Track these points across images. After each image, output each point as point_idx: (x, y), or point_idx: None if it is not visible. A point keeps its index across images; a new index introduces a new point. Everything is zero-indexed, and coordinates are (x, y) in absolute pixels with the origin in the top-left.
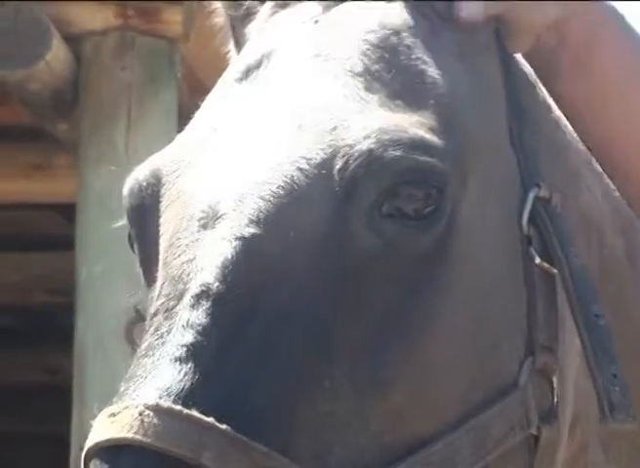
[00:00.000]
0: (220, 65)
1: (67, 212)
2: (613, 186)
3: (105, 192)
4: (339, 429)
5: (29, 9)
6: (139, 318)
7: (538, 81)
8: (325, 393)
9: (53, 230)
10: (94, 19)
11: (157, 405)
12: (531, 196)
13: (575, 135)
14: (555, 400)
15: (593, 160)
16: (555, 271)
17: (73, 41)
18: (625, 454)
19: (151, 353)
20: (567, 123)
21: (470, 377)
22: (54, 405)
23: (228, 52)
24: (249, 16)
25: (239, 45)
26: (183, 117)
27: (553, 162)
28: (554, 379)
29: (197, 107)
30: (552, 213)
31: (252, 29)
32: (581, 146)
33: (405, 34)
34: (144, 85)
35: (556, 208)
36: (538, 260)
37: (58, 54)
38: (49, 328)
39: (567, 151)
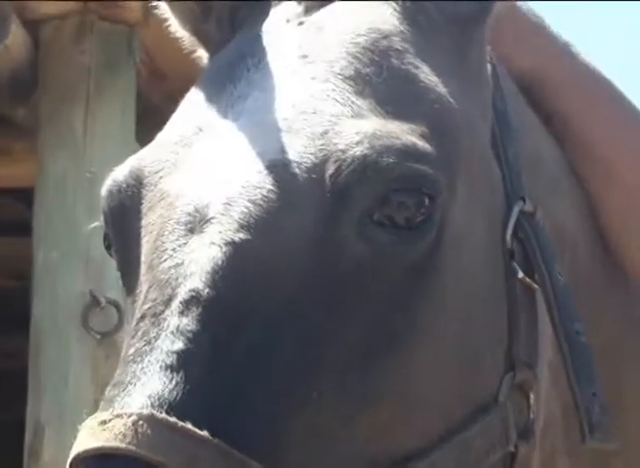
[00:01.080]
0: (179, 52)
1: (26, 196)
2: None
3: (63, 177)
4: (327, 442)
5: None
6: (94, 303)
7: (520, 92)
8: (313, 405)
9: (12, 215)
10: (52, 3)
11: (152, 415)
12: (515, 210)
13: (557, 145)
14: (532, 416)
15: (570, 173)
16: (537, 287)
17: (32, 25)
18: (588, 460)
19: (139, 359)
20: (544, 130)
21: (454, 390)
22: (14, 389)
23: (184, 38)
24: (209, 9)
25: (201, 37)
26: (142, 103)
27: (534, 173)
28: (531, 395)
29: (156, 93)
30: (536, 227)
31: (222, 27)
32: (553, 149)
33: (395, 38)
34: (103, 70)
35: (540, 222)
36: (520, 275)
37: (16, 38)
38: (7, 312)
39: (546, 161)
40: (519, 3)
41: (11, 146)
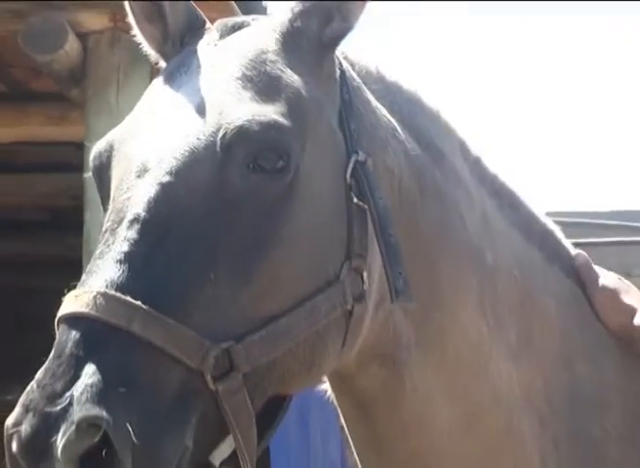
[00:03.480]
0: None
1: (80, 148)
2: (413, 151)
3: (103, 134)
4: (220, 307)
5: (53, 15)
6: None
7: (362, 84)
8: (211, 283)
9: (69, 159)
10: (95, 22)
11: (105, 292)
12: (352, 159)
13: (385, 117)
14: (364, 288)
15: (398, 131)
16: (366, 207)
17: (82, 37)
18: (418, 314)
19: (101, 256)
20: (381, 112)
21: (308, 274)
22: None
23: (151, 55)
24: (167, 36)
25: (161, 53)
26: None
27: (370, 137)
28: (364, 275)
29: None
30: (366, 170)
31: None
32: (388, 122)
33: (271, 54)
34: (128, 65)
35: (369, 167)
36: (355, 200)
37: (72, 45)
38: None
39: (379, 129)
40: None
41: (68, 114)
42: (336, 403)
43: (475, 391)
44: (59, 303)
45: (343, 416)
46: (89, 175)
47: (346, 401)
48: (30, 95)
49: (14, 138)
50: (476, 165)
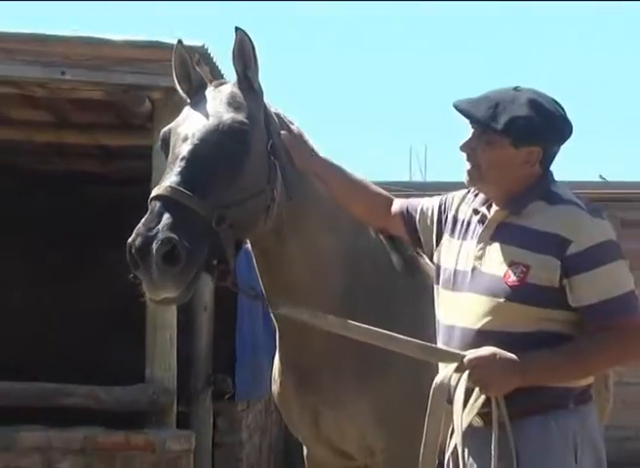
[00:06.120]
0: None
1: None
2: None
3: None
4: (221, 194)
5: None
6: None
7: (273, 115)
8: (217, 183)
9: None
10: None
11: (172, 186)
12: (270, 141)
13: (275, 120)
14: (275, 195)
15: (278, 126)
16: (276, 161)
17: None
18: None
19: (168, 172)
20: (273, 118)
21: (254, 185)
22: None
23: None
24: (192, 87)
25: (188, 95)
26: None
27: (274, 130)
28: (274, 190)
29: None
30: (274, 145)
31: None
32: (276, 123)
33: (237, 92)
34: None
35: (275, 143)
36: (272, 158)
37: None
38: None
39: (276, 126)
40: None
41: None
42: (254, 255)
43: (317, 251)
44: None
45: (255, 260)
46: (158, 143)
47: (257, 251)
48: None
49: None
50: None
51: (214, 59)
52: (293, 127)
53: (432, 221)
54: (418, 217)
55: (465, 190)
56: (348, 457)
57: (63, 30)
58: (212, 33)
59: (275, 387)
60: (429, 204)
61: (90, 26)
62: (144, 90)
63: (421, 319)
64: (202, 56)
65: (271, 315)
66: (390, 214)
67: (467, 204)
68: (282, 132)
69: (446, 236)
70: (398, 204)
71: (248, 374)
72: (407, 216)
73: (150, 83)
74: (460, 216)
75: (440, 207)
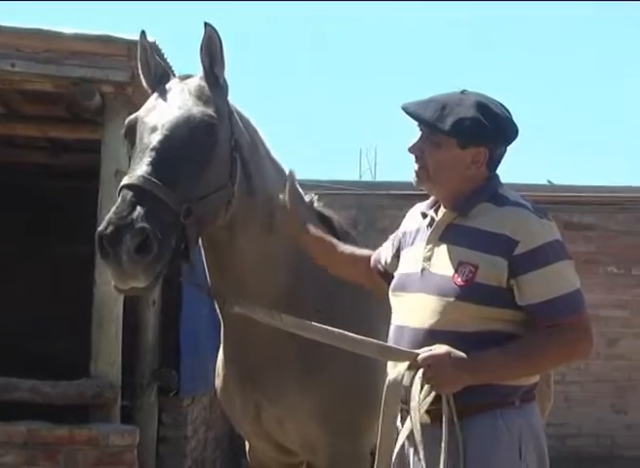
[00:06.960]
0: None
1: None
2: (246, 135)
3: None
4: (188, 187)
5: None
6: None
7: (235, 111)
8: (185, 175)
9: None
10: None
11: (143, 175)
12: (233, 138)
13: (239, 121)
14: (234, 190)
15: (242, 127)
16: (238, 156)
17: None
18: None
19: (138, 163)
20: (237, 118)
21: (217, 180)
22: None
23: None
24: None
25: (152, 88)
26: None
27: (238, 128)
28: (234, 185)
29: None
30: (237, 141)
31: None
32: (240, 123)
33: (204, 85)
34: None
35: (238, 140)
36: (234, 153)
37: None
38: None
39: (239, 125)
40: None
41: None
42: (203, 249)
43: (265, 248)
44: None
45: (205, 254)
46: (122, 131)
47: (207, 245)
48: None
49: None
50: (263, 142)
51: (164, 56)
52: (304, 195)
53: (394, 255)
54: (384, 261)
55: (412, 208)
56: (290, 453)
57: (15, 22)
58: (163, 30)
59: (219, 381)
60: (387, 243)
61: (43, 20)
62: (95, 83)
63: (369, 316)
64: (155, 51)
65: (217, 310)
66: (373, 275)
67: (414, 214)
68: (281, 195)
69: (402, 252)
70: (370, 261)
71: (192, 370)
72: (379, 268)
73: (101, 77)
74: (410, 228)
75: (395, 237)
